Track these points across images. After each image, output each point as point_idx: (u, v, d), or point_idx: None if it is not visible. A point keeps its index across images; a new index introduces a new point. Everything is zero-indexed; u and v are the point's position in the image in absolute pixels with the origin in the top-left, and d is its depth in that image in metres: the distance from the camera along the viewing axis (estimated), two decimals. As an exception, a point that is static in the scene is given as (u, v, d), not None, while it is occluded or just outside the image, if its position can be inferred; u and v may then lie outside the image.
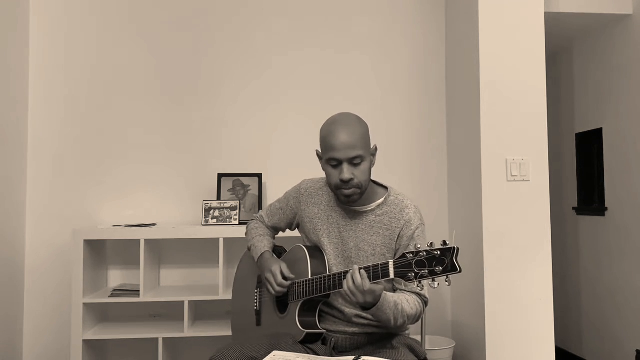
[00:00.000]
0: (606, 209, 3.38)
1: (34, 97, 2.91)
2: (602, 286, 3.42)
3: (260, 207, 2.88)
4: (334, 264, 1.68)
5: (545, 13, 2.92)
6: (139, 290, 2.57)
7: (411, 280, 1.37)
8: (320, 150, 1.68)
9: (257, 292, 1.87)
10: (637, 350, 3.09)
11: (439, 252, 1.35)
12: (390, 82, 3.10)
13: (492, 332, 2.56)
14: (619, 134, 3.27)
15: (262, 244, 1.83)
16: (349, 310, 1.65)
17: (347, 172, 1.56)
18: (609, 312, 3.36)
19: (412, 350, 1.64)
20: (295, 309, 1.66)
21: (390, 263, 1.41)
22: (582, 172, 3.69)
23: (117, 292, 2.61)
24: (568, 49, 3.78)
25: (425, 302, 1.64)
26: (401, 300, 1.54)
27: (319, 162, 1.72)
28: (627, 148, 3.20)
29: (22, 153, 2.84)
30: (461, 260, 1.35)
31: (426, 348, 2.22)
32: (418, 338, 2.00)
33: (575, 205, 3.72)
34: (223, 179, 2.90)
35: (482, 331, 2.59)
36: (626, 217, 3.21)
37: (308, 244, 1.77)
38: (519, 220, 2.60)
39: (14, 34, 2.77)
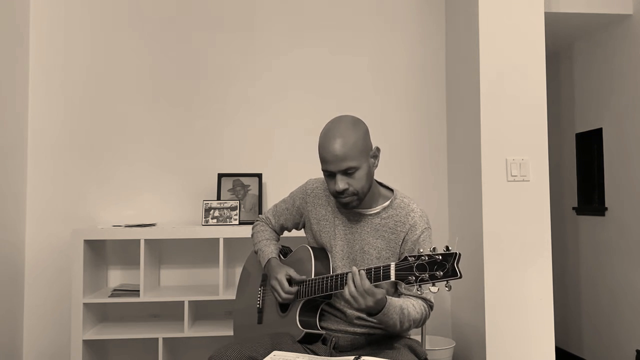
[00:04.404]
0: (606, 209, 3.38)
1: (33, 97, 2.90)
2: (602, 286, 3.42)
3: (260, 207, 2.88)
4: (339, 265, 1.68)
5: (545, 13, 2.92)
6: (139, 290, 2.57)
7: (411, 283, 1.38)
8: None
9: (260, 291, 1.87)
10: (637, 350, 3.09)
11: (440, 257, 1.35)
12: (390, 82, 3.10)
13: (492, 332, 2.56)
14: (619, 134, 3.27)
15: (269, 249, 1.82)
16: (351, 311, 1.65)
17: (340, 183, 1.55)
18: (609, 312, 3.36)
19: (412, 350, 1.64)
20: (296, 308, 1.66)
21: (392, 265, 1.41)
22: (582, 172, 3.69)
23: (117, 292, 2.61)
24: (568, 49, 3.78)
25: (430, 307, 1.64)
26: (407, 305, 1.54)
27: (318, 162, 1.71)
28: (627, 148, 3.20)
29: (22, 153, 2.84)
30: (461, 260, 1.36)
31: (426, 348, 2.22)
32: (418, 338, 1.99)
33: (575, 205, 3.72)
34: (223, 179, 2.90)
35: (482, 331, 2.59)
36: (626, 217, 3.21)
37: (314, 245, 1.77)
38: (519, 220, 2.60)
39: (14, 34, 2.77)
